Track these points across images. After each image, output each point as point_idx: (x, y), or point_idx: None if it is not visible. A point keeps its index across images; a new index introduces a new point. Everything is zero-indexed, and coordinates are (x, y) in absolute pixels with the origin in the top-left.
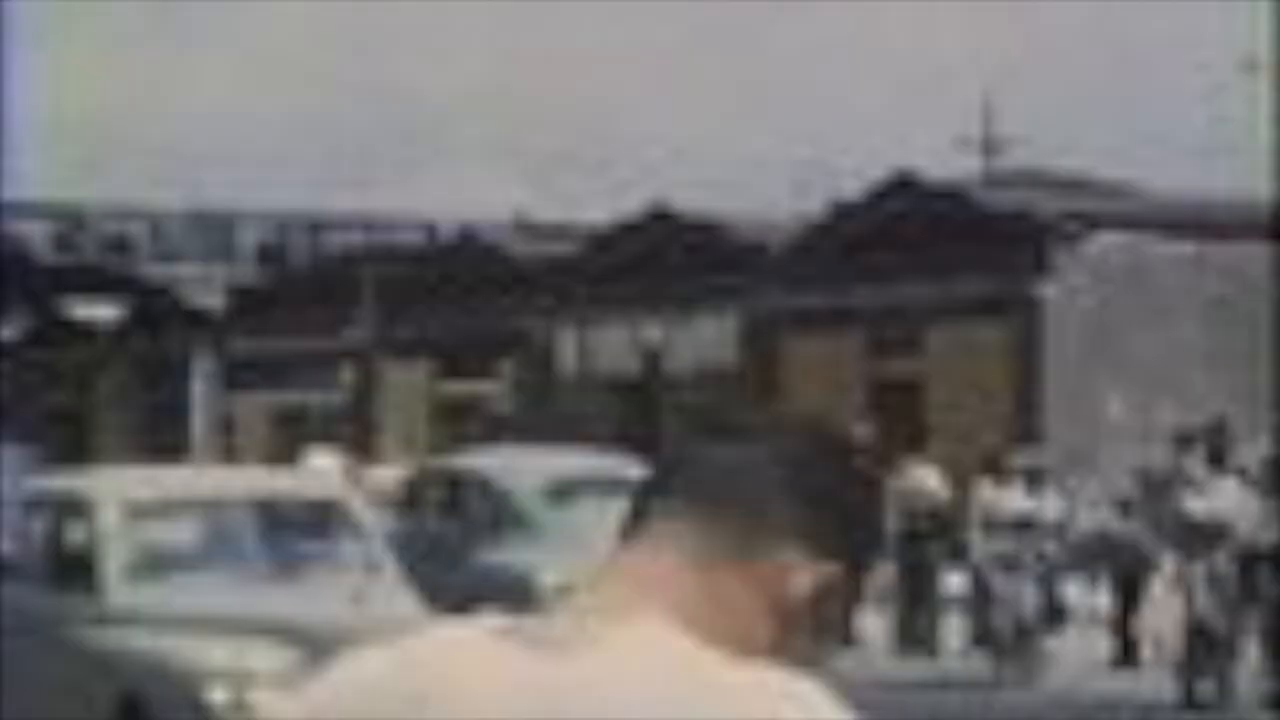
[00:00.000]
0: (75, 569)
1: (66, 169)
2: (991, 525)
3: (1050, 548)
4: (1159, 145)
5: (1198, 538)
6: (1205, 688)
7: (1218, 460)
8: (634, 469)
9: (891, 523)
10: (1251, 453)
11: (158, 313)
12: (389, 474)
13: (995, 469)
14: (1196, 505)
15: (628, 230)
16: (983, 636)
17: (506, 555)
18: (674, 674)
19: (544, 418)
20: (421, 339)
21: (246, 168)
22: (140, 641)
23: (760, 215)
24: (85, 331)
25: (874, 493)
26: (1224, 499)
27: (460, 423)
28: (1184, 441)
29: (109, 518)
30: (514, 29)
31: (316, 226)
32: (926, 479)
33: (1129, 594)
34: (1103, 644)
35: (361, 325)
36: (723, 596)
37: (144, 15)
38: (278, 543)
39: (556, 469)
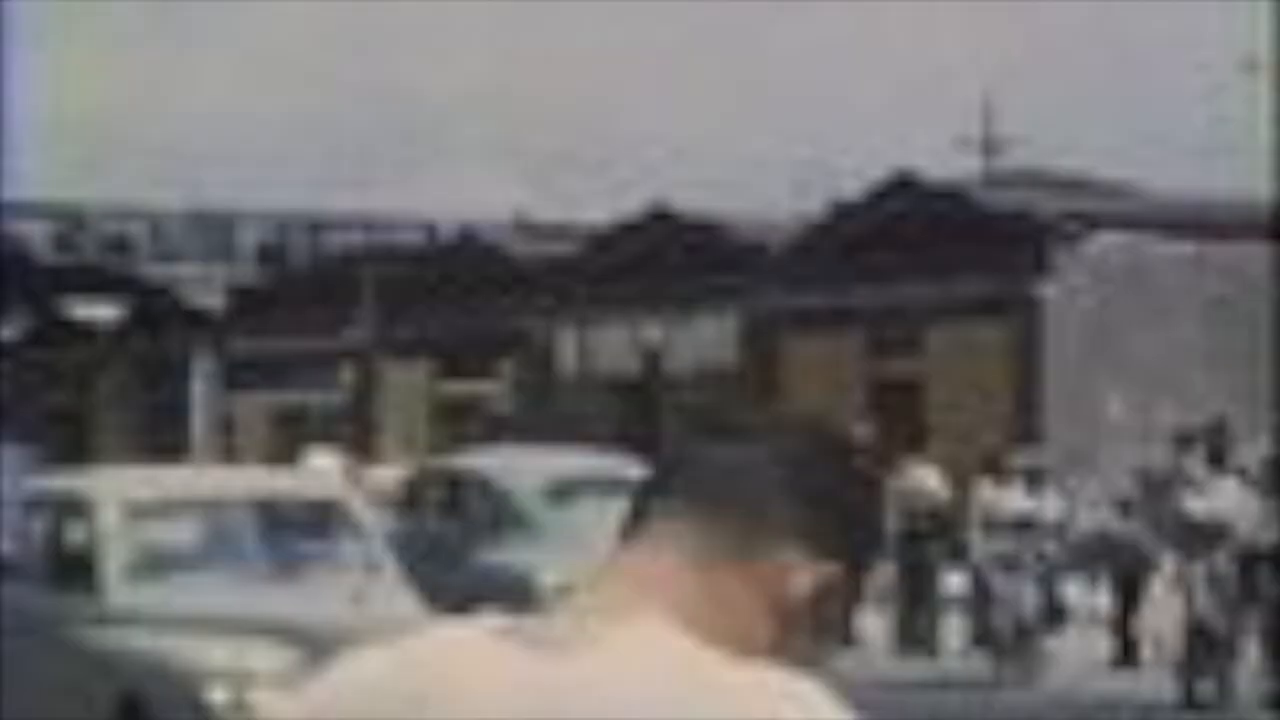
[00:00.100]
0: (75, 569)
1: (66, 169)
2: (991, 525)
3: (1050, 548)
4: (1159, 145)
5: (1198, 538)
6: (1205, 688)
7: (1218, 460)
8: (634, 469)
9: (891, 523)
10: (1251, 453)
11: (158, 313)
12: (389, 474)
13: (995, 469)
14: (1196, 505)
15: (628, 230)
16: (983, 636)
17: (506, 555)
18: (674, 674)
19: (544, 418)
20: (421, 339)
21: (246, 168)
22: (140, 641)
23: (760, 215)
24: (85, 331)
25: (874, 493)
26: (1224, 499)
27: (460, 423)
28: (1184, 441)
29: (109, 518)
30: (514, 29)
31: (316, 226)
32: (926, 479)
33: (1129, 594)
34: (1103, 644)
35: (361, 325)
36: (723, 596)
37: (144, 15)
38: (278, 543)
39: (556, 469)
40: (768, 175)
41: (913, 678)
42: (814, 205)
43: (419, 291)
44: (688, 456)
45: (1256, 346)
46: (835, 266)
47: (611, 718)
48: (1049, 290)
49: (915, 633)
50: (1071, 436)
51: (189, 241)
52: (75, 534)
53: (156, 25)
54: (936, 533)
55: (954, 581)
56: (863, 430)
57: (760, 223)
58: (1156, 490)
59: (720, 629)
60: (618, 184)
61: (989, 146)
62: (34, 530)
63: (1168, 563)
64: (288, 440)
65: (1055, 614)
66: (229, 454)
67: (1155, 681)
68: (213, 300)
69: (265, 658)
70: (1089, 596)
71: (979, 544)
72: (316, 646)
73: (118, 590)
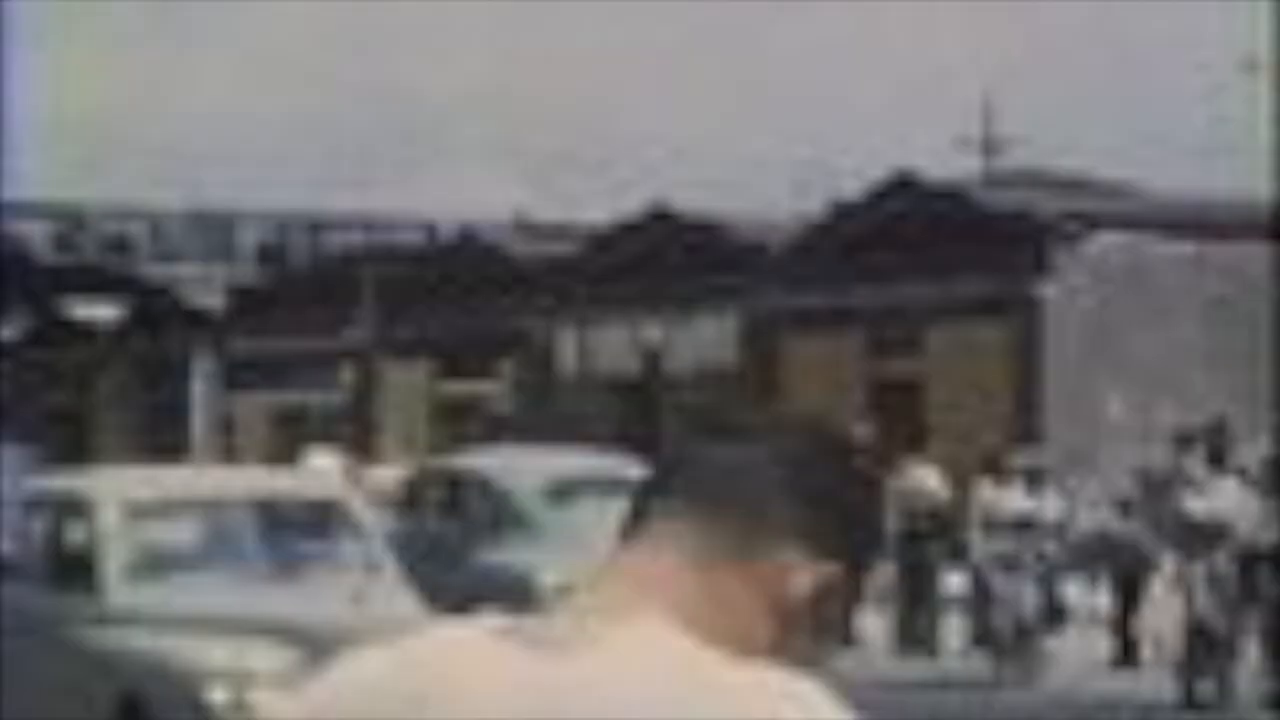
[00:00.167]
0: (75, 569)
1: (66, 169)
2: (991, 525)
3: (1050, 548)
4: (1159, 145)
5: (1198, 538)
6: (1205, 687)
7: (1218, 460)
8: (634, 469)
9: (891, 523)
10: (1252, 453)
11: (158, 313)
12: (389, 474)
13: (995, 469)
14: (1196, 505)
15: (627, 230)
16: (983, 636)
17: (506, 555)
18: (674, 674)
19: (544, 418)
20: (421, 339)
21: (246, 168)
22: (140, 641)
23: (760, 215)
24: (85, 331)
25: (874, 492)
26: (1224, 499)
27: (460, 423)
28: (1184, 441)
29: (109, 518)
30: (514, 29)
31: (316, 226)
32: (926, 479)
33: (1129, 594)
34: (1103, 644)
35: (361, 325)
36: (723, 596)
37: (144, 15)
38: (278, 543)
39: (556, 469)
40: (767, 175)
41: (913, 678)
42: (814, 205)
43: (419, 291)
44: (688, 456)
45: (1256, 346)
46: (835, 266)
47: (612, 718)
48: (1049, 290)
49: (915, 633)
50: (1071, 436)
51: (189, 241)
52: (75, 534)
53: (156, 25)
54: (936, 533)
55: (954, 581)
56: (862, 430)
57: (760, 223)
58: (1156, 490)
59: (720, 629)
60: (618, 184)
61: (989, 146)
62: (34, 530)
63: (1168, 563)
64: (288, 440)
65: (1055, 614)
66: (229, 454)
67: (1155, 681)
68: (213, 300)
69: (265, 658)
70: (1089, 596)
71: (979, 544)
72: (316, 646)
73: (118, 590)
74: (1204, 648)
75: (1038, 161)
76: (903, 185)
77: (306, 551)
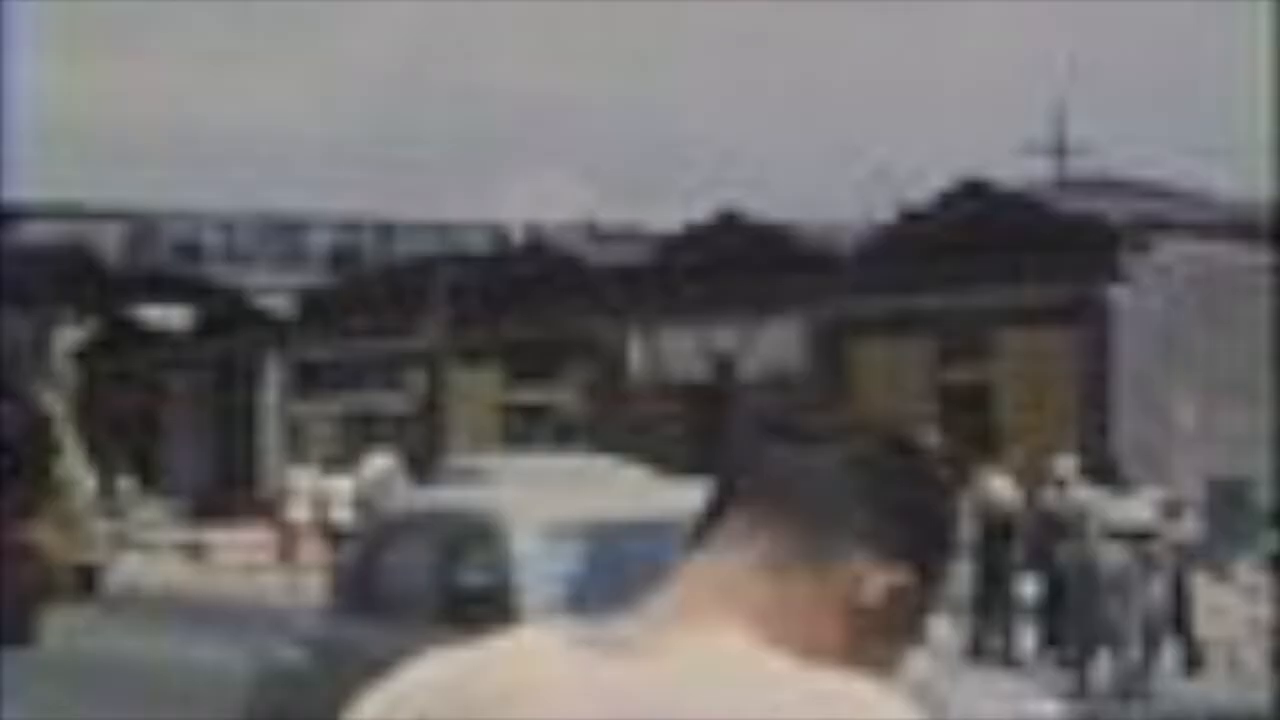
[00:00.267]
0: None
1: (138, 173)
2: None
3: (1147, 552)
4: (1230, 150)
5: None
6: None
7: None
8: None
9: (965, 530)
10: None
11: (228, 317)
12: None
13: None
14: None
15: (698, 236)
16: (1057, 646)
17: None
18: (744, 679)
19: (614, 423)
20: (491, 344)
21: (318, 171)
22: None
23: (830, 221)
24: (156, 337)
25: (946, 497)
26: None
27: (529, 428)
28: None
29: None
30: (586, 35)
31: (387, 231)
32: (999, 486)
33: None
34: (1170, 651)
35: (431, 330)
36: (794, 600)
37: (220, 19)
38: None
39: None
40: (837, 180)
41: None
42: (884, 210)
43: (489, 296)
44: (759, 460)
45: None
46: (905, 272)
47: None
48: (1120, 296)
49: (989, 642)
50: (1141, 442)
51: (260, 246)
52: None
53: (234, 29)
54: (1010, 540)
55: (1029, 590)
56: (930, 436)
57: (830, 228)
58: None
59: (792, 632)
60: (688, 190)
61: (1061, 150)
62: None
63: (1242, 571)
64: (357, 444)
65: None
66: (298, 458)
67: (1226, 688)
68: (283, 305)
69: None
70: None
71: (1064, 551)
72: None
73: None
74: None
75: (1109, 166)
76: (973, 190)
77: None
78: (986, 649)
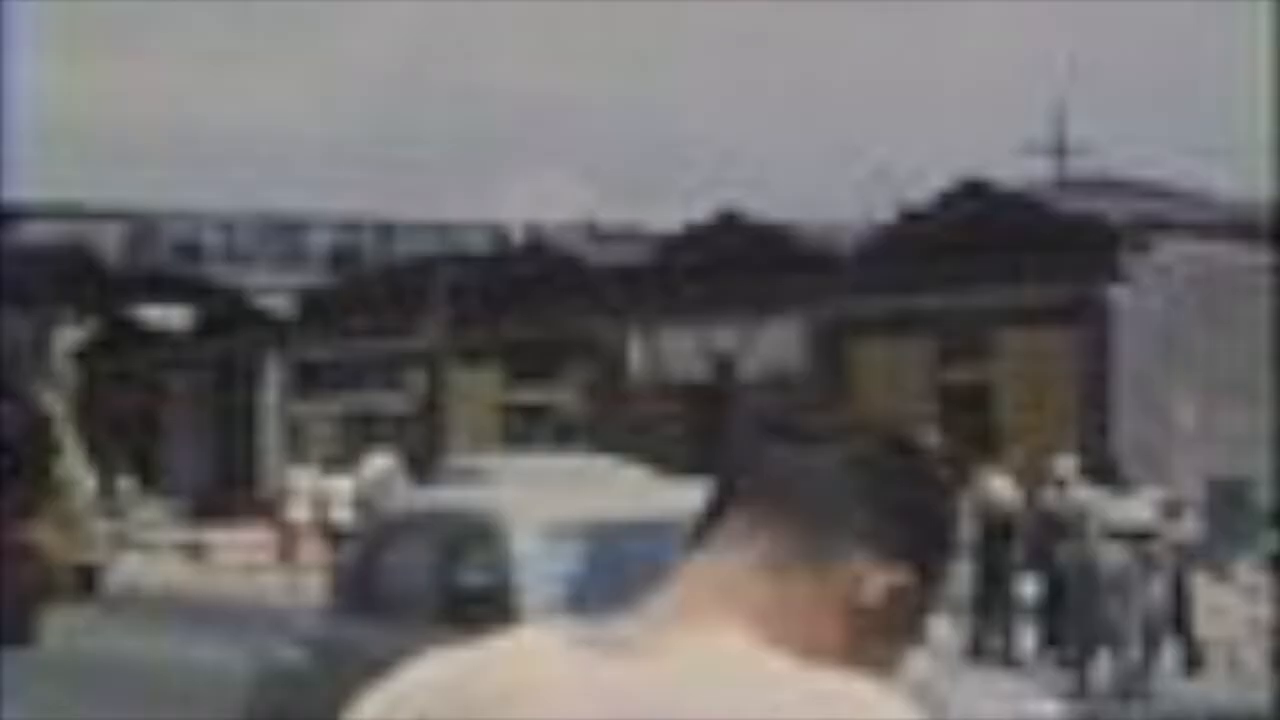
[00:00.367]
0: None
1: (136, 173)
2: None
3: (1147, 552)
4: (1230, 150)
5: None
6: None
7: None
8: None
9: (965, 530)
10: None
11: (228, 317)
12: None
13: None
14: None
15: (698, 236)
16: (1057, 646)
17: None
18: (743, 679)
19: (614, 423)
20: (491, 344)
21: (318, 171)
22: None
23: (830, 220)
24: (156, 336)
25: (946, 497)
26: None
27: (529, 428)
28: None
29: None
30: (585, 35)
31: (387, 231)
32: (999, 486)
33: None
34: (1170, 651)
35: (431, 330)
36: (794, 600)
37: (221, 20)
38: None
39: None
40: (837, 180)
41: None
42: (883, 210)
43: (489, 296)
44: (759, 460)
45: None
46: (905, 272)
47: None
48: (1120, 296)
49: (989, 642)
50: (1141, 442)
51: (260, 246)
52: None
53: (234, 30)
54: (1010, 540)
55: (1029, 590)
56: (930, 436)
57: (830, 228)
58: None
59: (792, 632)
60: (687, 190)
61: (1061, 150)
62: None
63: (1242, 571)
64: (356, 444)
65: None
66: (298, 457)
67: (1225, 687)
68: (283, 305)
69: None
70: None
71: (1063, 551)
72: None
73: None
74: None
75: (1109, 166)
76: (973, 190)
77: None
78: (986, 649)
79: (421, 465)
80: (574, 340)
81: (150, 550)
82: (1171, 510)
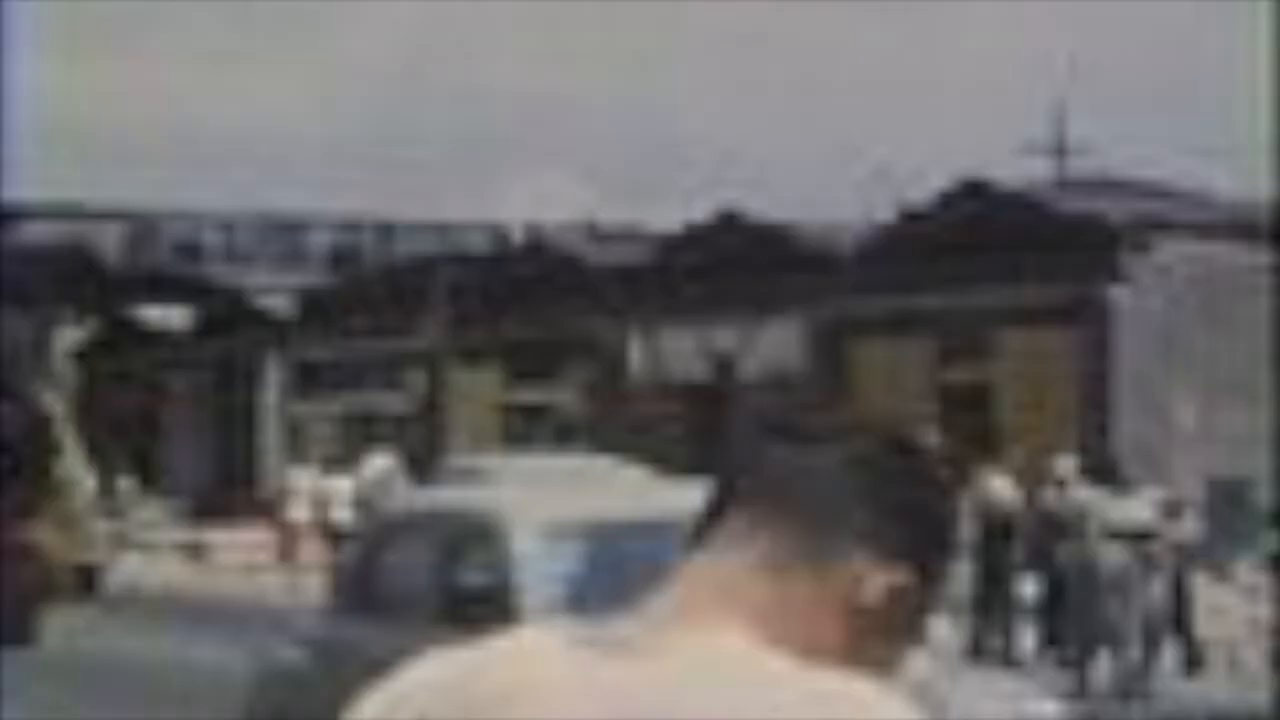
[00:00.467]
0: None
1: (138, 173)
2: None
3: (1147, 552)
4: (1230, 150)
5: None
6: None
7: None
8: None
9: (965, 530)
10: None
11: (228, 317)
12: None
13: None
14: None
15: (697, 236)
16: (1057, 646)
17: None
18: (743, 679)
19: (614, 423)
20: (491, 344)
21: (318, 171)
22: None
23: (830, 220)
24: (156, 336)
25: (946, 497)
26: None
27: (529, 428)
28: None
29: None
30: (585, 35)
31: (387, 231)
32: (999, 486)
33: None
34: (1170, 651)
35: (431, 330)
36: (794, 600)
37: (220, 19)
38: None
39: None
40: (837, 180)
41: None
42: (884, 211)
43: (489, 296)
44: (759, 459)
45: None
46: (905, 272)
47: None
48: (1120, 296)
49: (989, 642)
50: (1141, 442)
51: (260, 246)
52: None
53: (233, 29)
54: (1010, 540)
55: (1029, 590)
56: (930, 436)
57: (830, 228)
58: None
59: (792, 632)
60: (688, 190)
61: (1061, 150)
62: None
63: (1242, 571)
64: (357, 444)
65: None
66: (298, 457)
67: (1225, 687)
68: (283, 305)
69: None
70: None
71: (1063, 551)
72: None
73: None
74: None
75: (1109, 166)
76: (973, 190)
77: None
78: (986, 649)
79: (421, 465)
80: (574, 340)
81: (150, 550)
82: (1171, 510)
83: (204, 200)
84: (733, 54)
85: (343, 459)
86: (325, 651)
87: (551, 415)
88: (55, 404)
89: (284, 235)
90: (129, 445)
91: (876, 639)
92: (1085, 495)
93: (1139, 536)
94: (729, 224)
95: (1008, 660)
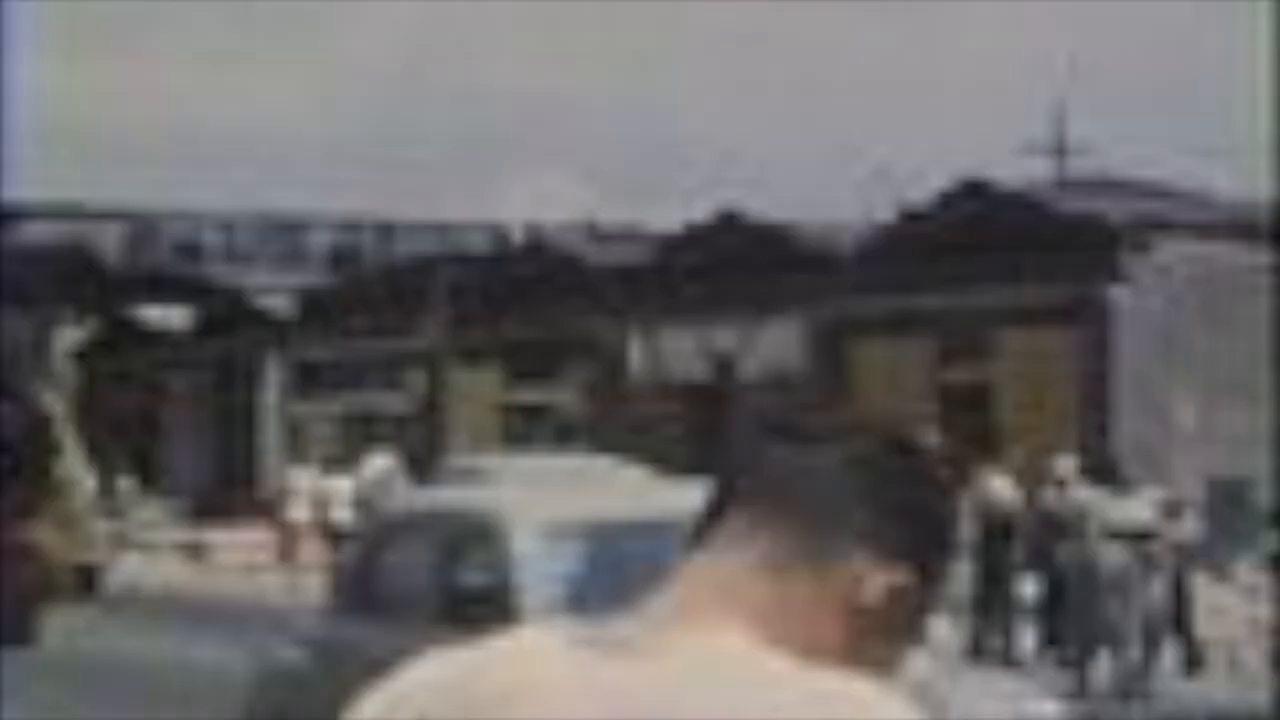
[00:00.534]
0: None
1: (138, 173)
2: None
3: (1147, 552)
4: (1230, 150)
5: None
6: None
7: None
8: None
9: (965, 530)
10: None
11: (228, 317)
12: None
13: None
14: None
15: (698, 236)
16: (1057, 646)
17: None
18: (743, 679)
19: (614, 423)
20: (491, 344)
21: (318, 171)
22: None
23: (830, 220)
24: (156, 336)
25: (946, 497)
26: None
27: (529, 428)
28: None
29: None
30: (585, 35)
31: (387, 231)
32: (999, 486)
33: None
34: (1170, 651)
35: (431, 330)
36: (794, 600)
37: (221, 20)
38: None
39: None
40: (837, 180)
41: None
42: (884, 211)
43: (489, 296)
44: (759, 459)
45: None
46: (905, 272)
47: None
48: (1120, 296)
49: (988, 642)
50: (1141, 442)
51: (260, 246)
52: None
53: (235, 30)
54: (1010, 540)
55: (1029, 590)
56: (929, 436)
57: (830, 228)
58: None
59: (792, 632)
60: (688, 190)
61: (1061, 150)
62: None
63: (1242, 571)
64: (357, 444)
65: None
66: (298, 457)
67: (1225, 687)
68: (283, 305)
69: None
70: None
71: (1063, 551)
72: None
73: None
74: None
75: (1109, 166)
76: (973, 190)
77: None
78: (986, 649)
79: (421, 465)
80: (574, 340)
81: (150, 550)
82: (1171, 510)
83: (204, 200)
84: (733, 54)
85: (343, 459)
86: (325, 651)
87: (551, 415)
88: (55, 404)
89: (284, 235)
90: (129, 445)
91: (876, 639)
92: (1085, 495)
93: (1139, 536)
94: (729, 224)
95: (1008, 660)
